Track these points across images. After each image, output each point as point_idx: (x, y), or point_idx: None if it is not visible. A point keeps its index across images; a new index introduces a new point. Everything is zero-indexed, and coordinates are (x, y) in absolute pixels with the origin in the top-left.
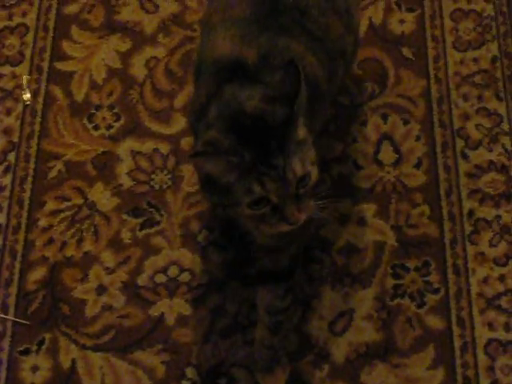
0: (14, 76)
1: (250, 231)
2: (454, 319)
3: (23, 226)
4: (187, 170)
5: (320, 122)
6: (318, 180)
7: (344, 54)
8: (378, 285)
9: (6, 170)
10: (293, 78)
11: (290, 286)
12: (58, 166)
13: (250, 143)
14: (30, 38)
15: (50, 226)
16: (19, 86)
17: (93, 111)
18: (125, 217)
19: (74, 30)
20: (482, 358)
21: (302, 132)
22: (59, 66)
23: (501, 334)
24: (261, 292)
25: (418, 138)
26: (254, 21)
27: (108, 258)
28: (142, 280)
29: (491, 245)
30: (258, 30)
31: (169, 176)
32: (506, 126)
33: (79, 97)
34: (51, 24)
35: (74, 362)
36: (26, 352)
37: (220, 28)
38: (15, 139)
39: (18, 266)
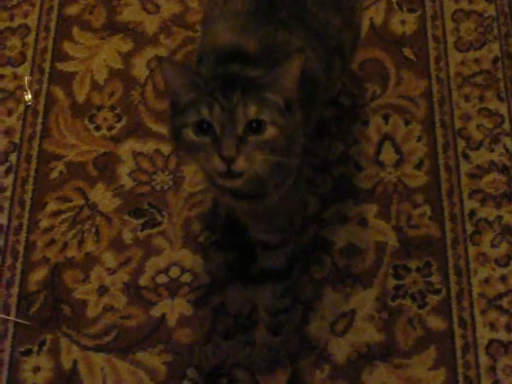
0: (16, 77)
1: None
2: (455, 320)
3: (25, 227)
4: (188, 171)
5: (313, 119)
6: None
7: (341, 51)
8: (379, 285)
9: (8, 171)
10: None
11: (290, 285)
12: (60, 166)
13: (220, 76)
14: (31, 38)
15: (52, 227)
16: (21, 87)
17: (94, 112)
18: (126, 217)
19: (76, 31)
20: (483, 358)
21: (274, 97)
22: (61, 66)
23: (502, 335)
24: (261, 292)
25: (419, 139)
26: (254, 14)
27: (109, 258)
28: (143, 281)
29: (493, 245)
30: (257, 23)
31: (170, 177)
32: (507, 127)
33: (81, 97)
34: (53, 25)
35: (75, 362)
36: (28, 353)
37: (220, 20)
38: (17, 140)
39: (19, 266)
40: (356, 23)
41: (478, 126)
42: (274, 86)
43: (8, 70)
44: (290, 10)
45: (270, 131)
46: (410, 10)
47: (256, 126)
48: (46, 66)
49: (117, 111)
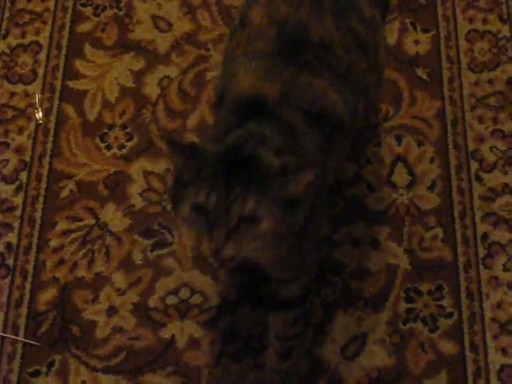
0: (27, 94)
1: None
2: (467, 344)
3: (34, 246)
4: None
5: (340, 159)
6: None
7: (365, 91)
8: (390, 309)
9: (18, 190)
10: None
11: (302, 314)
12: (70, 185)
13: (224, 163)
14: (43, 56)
15: (61, 247)
16: (32, 105)
17: (105, 130)
18: (136, 237)
19: (87, 49)
20: None
21: (281, 193)
22: (72, 84)
23: None
24: (272, 318)
25: (432, 160)
26: (277, 55)
27: (119, 278)
28: (153, 301)
29: (505, 269)
30: (281, 65)
31: None
32: None
33: (92, 116)
34: (64, 42)
35: None
36: (36, 373)
37: (242, 60)
38: (27, 158)
39: (28, 286)
40: (380, 64)
41: (491, 148)
42: (280, 189)
43: (19, 88)
44: (315, 52)
45: (266, 225)
46: (424, 30)
47: (251, 218)
48: (58, 83)
49: (128, 130)
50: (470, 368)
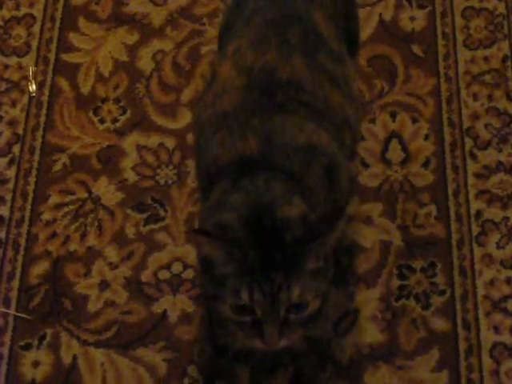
0: (20, 67)
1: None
2: (459, 321)
3: (26, 220)
4: (193, 166)
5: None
6: (317, 313)
7: (348, 123)
8: (383, 285)
9: (11, 163)
10: (333, 214)
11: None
12: (63, 159)
13: (259, 244)
14: (36, 28)
15: (54, 220)
16: (25, 78)
17: (99, 104)
18: (129, 212)
19: (82, 22)
20: (487, 361)
21: (316, 263)
22: (65, 57)
23: (506, 338)
24: None
25: (426, 137)
26: (241, 110)
27: (111, 253)
28: (145, 276)
29: (499, 247)
30: (246, 119)
31: (174, 171)
32: None
33: (85, 89)
34: (58, 15)
35: (75, 357)
36: (27, 347)
37: (209, 129)
38: (20, 131)
39: (20, 259)
40: (354, 96)
41: (486, 126)
42: (317, 251)
43: (13, 60)
44: (285, 92)
45: (313, 305)
46: (420, 7)
47: (299, 305)
48: (51, 56)
49: (121, 104)
50: (462, 345)
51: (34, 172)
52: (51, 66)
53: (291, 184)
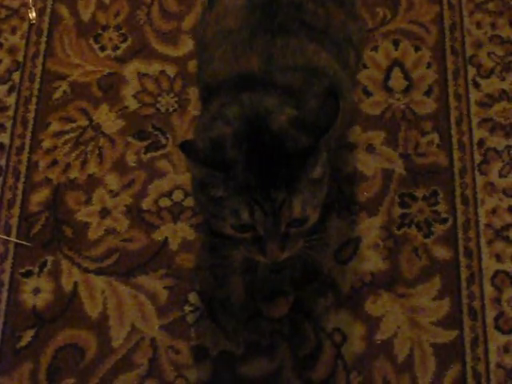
0: None
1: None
2: (461, 250)
3: (27, 147)
4: (194, 93)
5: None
6: (315, 224)
7: (351, 42)
8: (385, 213)
9: (11, 90)
10: (330, 109)
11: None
12: (63, 86)
13: (258, 162)
14: None
15: (54, 148)
16: (25, 5)
17: (99, 31)
18: (130, 139)
19: None
20: (488, 289)
21: (318, 171)
22: None
23: (508, 266)
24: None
25: (429, 65)
26: (245, 29)
27: (112, 180)
28: (146, 204)
29: (501, 175)
30: (254, 37)
31: (175, 99)
32: None
33: (86, 16)
34: None
35: (75, 285)
36: (28, 274)
37: (213, 45)
38: (20, 58)
39: (20, 187)
40: (357, 15)
41: (489, 54)
42: (319, 156)
43: None
44: (286, 12)
45: (312, 218)
46: None
47: (300, 220)
48: None
49: (122, 31)
50: (464, 273)
51: (34, 99)
52: None
53: (287, 98)
